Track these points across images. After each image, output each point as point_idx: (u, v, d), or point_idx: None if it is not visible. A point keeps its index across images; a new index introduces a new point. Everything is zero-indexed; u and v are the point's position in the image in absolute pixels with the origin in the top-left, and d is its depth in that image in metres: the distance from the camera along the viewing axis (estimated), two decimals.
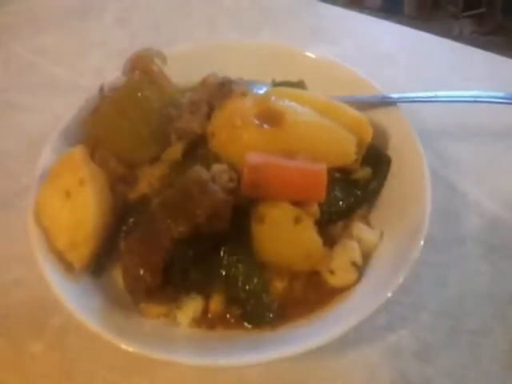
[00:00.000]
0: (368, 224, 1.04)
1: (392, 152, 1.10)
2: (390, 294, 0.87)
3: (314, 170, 0.91)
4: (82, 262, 0.94)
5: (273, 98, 0.99)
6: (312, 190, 0.91)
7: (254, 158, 0.90)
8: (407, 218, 0.99)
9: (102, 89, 1.02)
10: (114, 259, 1.01)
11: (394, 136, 1.11)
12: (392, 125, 1.12)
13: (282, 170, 0.90)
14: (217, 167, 0.89)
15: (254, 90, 1.14)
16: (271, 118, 0.96)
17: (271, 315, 0.91)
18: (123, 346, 0.84)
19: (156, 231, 0.86)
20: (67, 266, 0.94)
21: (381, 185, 1.08)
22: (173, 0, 1.81)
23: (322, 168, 0.91)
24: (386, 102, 1.14)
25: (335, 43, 1.63)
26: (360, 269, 0.96)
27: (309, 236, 0.92)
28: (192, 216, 0.83)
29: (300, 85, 1.24)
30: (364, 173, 1.05)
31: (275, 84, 1.23)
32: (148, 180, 1.05)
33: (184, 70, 1.16)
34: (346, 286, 0.95)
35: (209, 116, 1.02)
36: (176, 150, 1.04)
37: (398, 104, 1.13)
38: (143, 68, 1.04)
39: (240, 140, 0.96)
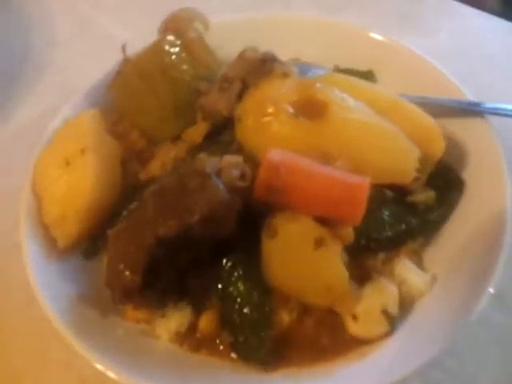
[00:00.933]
0: (419, 263, 0.81)
1: (468, 176, 0.84)
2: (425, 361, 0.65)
3: (352, 183, 0.70)
4: (67, 239, 0.82)
5: (318, 85, 0.78)
6: (345, 207, 0.70)
7: (276, 154, 0.71)
8: (473, 265, 0.75)
9: (124, 49, 0.88)
10: None
11: (475, 156, 0.85)
12: (474, 141, 0.86)
13: (310, 175, 0.70)
14: (228, 158, 0.71)
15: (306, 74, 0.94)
16: (312, 108, 0.76)
17: (267, 352, 0.72)
18: (80, 350, 0.70)
19: (144, 223, 0.71)
20: (51, 243, 0.83)
21: (445, 215, 0.83)
22: None
23: (363, 182, 0.69)
24: (471, 111, 0.88)
25: (427, 35, 1.36)
26: (393, 321, 0.73)
27: (331, 265, 0.71)
28: (183, 215, 0.67)
29: (368, 75, 1.02)
30: (425, 196, 0.82)
31: (338, 71, 1.01)
32: (162, 160, 0.90)
33: (231, 42, 0.98)
34: (370, 339, 0.73)
35: (241, 96, 0.84)
36: (198, 132, 0.88)
37: (486, 116, 0.87)
38: (177, 30, 0.88)
39: (267, 130, 0.77)
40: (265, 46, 1.05)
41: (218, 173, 0.69)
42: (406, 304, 0.76)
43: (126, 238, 0.73)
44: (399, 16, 1.39)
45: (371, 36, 1.06)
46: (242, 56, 0.86)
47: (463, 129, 0.88)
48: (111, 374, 0.69)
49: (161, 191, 0.72)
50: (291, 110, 0.76)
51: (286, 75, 0.81)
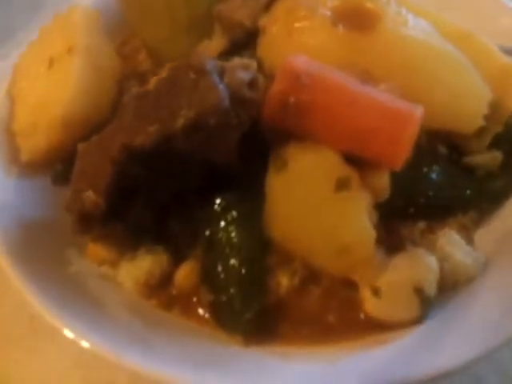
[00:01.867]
0: (469, 240, 0.61)
1: None
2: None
3: (398, 110, 0.52)
4: (33, 153, 0.67)
5: None
6: (385, 141, 0.52)
7: (299, 59, 0.53)
8: None
9: None
10: None
11: None
12: None
13: (342, 92, 0.52)
14: (237, 60, 0.54)
15: None
16: (358, 18, 0.59)
17: (251, 319, 0.54)
18: (17, 283, 0.55)
19: (119, 132, 0.55)
20: (15, 156, 0.68)
21: (509, 188, 0.64)
22: None
23: (414, 111, 0.51)
24: None
25: None
26: (428, 304, 0.54)
27: (354, 217, 0.54)
28: (166, 119, 0.50)
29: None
30: (490, 158, 0.63)
31: None
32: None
33: None
34: (391, 323, 0.55)
35: (269, 7, 0.67)
36: (212, 47, 0.71)
37: None
38: None
39: (296, 39, 0.60)
40: None
41: (221, 73, 0.52)
42: (447, 286, 0.57)
43: (95, 151, 0.57)
44: None
45: None
46: None
47: None
48: (49, 319, 0.53)
49: (145, 93, 0.56)
50: (330, 16, 0.58)
51: None
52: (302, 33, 0.60)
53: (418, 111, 0.52)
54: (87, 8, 0.73)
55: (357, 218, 0.53)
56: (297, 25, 0.60)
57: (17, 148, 0.68)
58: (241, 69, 0.53)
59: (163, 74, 0.62)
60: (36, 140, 0.67)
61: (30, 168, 0.68)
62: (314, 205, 0.54)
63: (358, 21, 0.59)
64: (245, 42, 0.71)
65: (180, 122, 0.49)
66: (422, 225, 0.62)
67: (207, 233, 0.60)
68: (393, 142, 0.51)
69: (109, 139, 0.56)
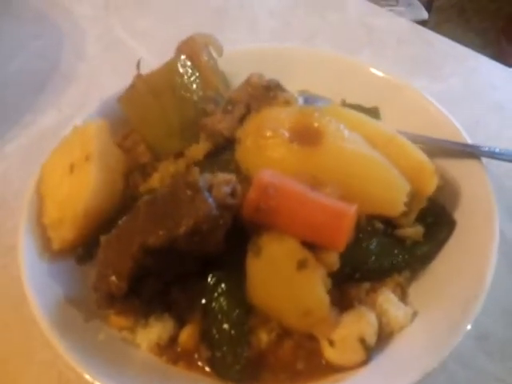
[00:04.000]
0: (402, 297, 0.81)
1: (459, 215, 0.85)
2: None
3: (337, 209, 0.71)
4: (62, 242, 0.85)
5: (317, 114, 0.81)
6: (330, 233, 0.72)
7: (266, 174, 0.73)
8: (454, 302, 0.75)
9: (138, 65, 0.93)
10: None
11: (467, 197, 0.86)
12: (468, 182, 0.87)
13: (298, 197, 0.72)
14: (221, 176, 0.74)
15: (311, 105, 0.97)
16: (308, 135, 0.79)
17: (241, 369, 0.72)
18: (62, 352, 0.72)
19: (134, 231, 0.73)
20: (47, 244, 0.86)
21: (432, 252, 0.84)
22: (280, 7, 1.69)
23: (349, 209, 0.71)
24: (468, 153, 0.90)
25: (441, 79, 1.39)
26: (370, 350, 0.73)
27: (312, 288, 0.72)
28: (172, 226, 0.69)
29: (372, 111, 1.05)
30: (414, 231, 0.83)
31: (344, 105, 1.05)
32: (162, 174, 0.93)
33: (245, 70, 1.02)
34: (345, 366, 0.73)
35: (243, 119, 0.87)
36: (199, 150, 0.91)
37: (482, 158, 0.88)
38: (190, 53, 0.93)
39: (263, 152, 0.80)
40: (275, 75, 1.10)
41: (210, 188, 0.72)
42: (385, 335, 0.76)
43: (115, 244, 0.76)
44: (415, 60, 1.42)
45: (379, 74, 1.09)
46: (247, 81, 0.90)
47: (458, 170, 0.89)
48: (88, 377, 0.70)
49: (153, 200, 0.75)
50: (287, 135, 0.79)
51: (287, 103, 0.85)
52: (267, 147, 0.80)
53: (353, 209, 0.72)
54: (100, 123, 0.93)
55: (314, 288, 0.72)
56: (263, 141, 0.80)
57: (48, 238, 0.86)
58: (224, 184, 0.72)
59: (165, 184, 0.83)
60: (64, 232, 0.85)
61: (60, 254, 0.86)
62: (283, 280, 0.73)
63: (308, 137, 0.79)
64: (225, 145, 0.91)
65: (182, 229, 0.68)
66: (366, 285, 0.80)
67: (203, 301, 0.78)
68: (335, 233, 0.71)
69: (127, 236, 0.74)
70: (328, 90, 1.09)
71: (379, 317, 0.76)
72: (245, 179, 0.80)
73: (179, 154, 0.95)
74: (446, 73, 1.40)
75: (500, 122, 1.23)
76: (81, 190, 0.86)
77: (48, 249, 0.86)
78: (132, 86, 0.94)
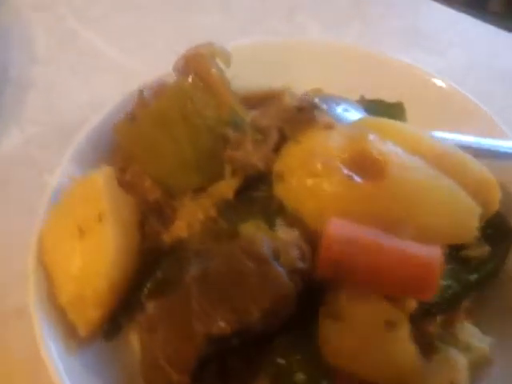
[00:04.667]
0: (477, 325, 0.75)
1: None
2: None
3: (425, 257, 0.62)
4: (88, 325, 0.71)
5: (372, 138, 0.70)
6: (419, 283, 0.63)
7: (337, 228, 0.62)
8: None
9: (141, 93, 0.77)
10: (133, 318, 0.77)
11: None
12: None
13: (378, 250, 0.62)
14: (284, 236, 0.62)
15: (338, 113, 0.85)
16: (367, 167, 0.68)
17: None
18: None
19: (190, 316, 0.61)
20: (70, 329, 0.71)
21: (498, 268, 0.78)
22: None
23: (437, 254, 0.63)
24: None
25: (439, 53, 1.30)
26: None
27: (404, 349, 0.65)
28: (242, 311, 0.57)
29: (397, 108, 0.95)
30: (480, 251, 0.76)
31: (364, 103, 0.94)
32: (187, 220, 0.79)
33: (245, 70, 0.87)
34: None
35: (277, 148, 0.75)
36: (228, 187, 0.78)
37: None
38: (199, 70, 0.77)
39: (319, 193, 0.68)
40: (282, 74, 0.97)
41: (276, 255, 0.60)
42: (474, 374, 0.70)
43: (165, 328, 0.64)
44: (408, 32, 1.32)
45: (397, 63, 0.98)
46: (276, 101, 0.76)
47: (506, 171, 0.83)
48: None
49: (205, 276, 0.62)
50: (343, 169, 0.68)
51: (329, 126, 0.73)
52: (323, 187, 0.68)
53: (439, 252, 0.63)
54: (107, 171, 0.76)
55: (407, 349, 0.64)
56: (315, 179, 0.69)
57: (70, 323, 0.72)
58: (291, 246, 0.61)
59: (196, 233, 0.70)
60: (87, 312, 0.70)
61: (88, 338, 0.72)
62: (369, 344, 0.64)
63: (369, 169, 0.68)
64: (257, 177, 0.78)
65: (256, 315, 0.57)
66: (440, 319, 0.75)
67: (269, 370, 0.68)
68: (425, 284, 0.63)
69: (180, 320, 0.62)
70: (342, 87, 0.97)
71: (465, 353, 0.70)
72: (295, 221, 0.69)
73: (197, 190, 0.82)
74: (444, 43, 1.32)
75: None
76: (99, 260, 0.71)
77: (72, 334, 0.71)
78: (133, 117, 0.78)
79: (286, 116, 0.75)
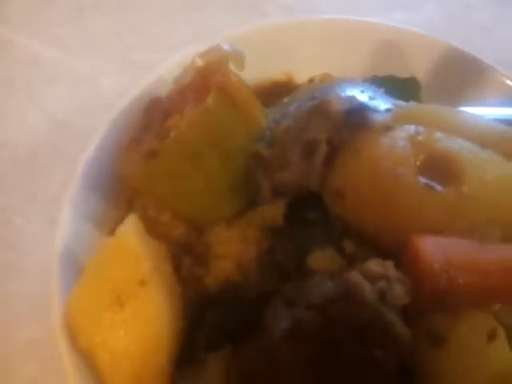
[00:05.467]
0: None
1: None
2: None
3: None
4: None
5: (439, 135, 0.62)
6: None
7: (433, 252, 0.55)
8: None
9: (148, 113, 0.63)
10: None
11: None
12: None
13: (477, 265, 0.57)
14: (376, 268, 0.54)
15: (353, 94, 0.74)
16: (441, 170, 0.61)
17: None
18: None
19: None
20: None
21: None
22: None
23: None
24: None
25: (412, 9, 1.24)
26: None
27: (502, 354, 0.60)
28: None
29: (412, 83, 0.88)
30: None
31: (377, 81, 0.86)
32: (234, 257, 0.69)
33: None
34: None
35: (329, 162, 0.65)
36: (274, 211, 0.67)
37: None
38: (221, 83, 0.64)
39: (397, 209, 0.60)
40: (281, 61, 0.87)
41: (382, 297, 0.52)
42: None
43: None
44: None
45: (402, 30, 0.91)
46: (321, 108, 0.65)
47: None
48: None
49: (298, 331, 0.53)
50: (421, 179, 0.60)
51: (387, 128, 0.64)
52: (398, 200, 0.60)
53: None
54: (135, 221, 0.63)
55: (504, 353, 0.61)
56: (387, 193, 0.61)
57: None
58: (396, 283, 0.53)
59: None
60: None
61: None
62: (475, 361, 0.59)
63: (443, 173, 0.61)
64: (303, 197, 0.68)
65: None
66: None
67: None
68: None
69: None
70: (350, 68, 0.89)
71: None
72: (364, 239, 0.62)
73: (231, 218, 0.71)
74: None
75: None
76: (151, 333, 0.59)
77: None
78: (153, 153, 0.64)
79: (334, 123, 0.64)
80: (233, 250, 0.68)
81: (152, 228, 0.70)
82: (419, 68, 0.90)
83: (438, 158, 0.61)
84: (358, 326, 0.50)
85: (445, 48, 0.90)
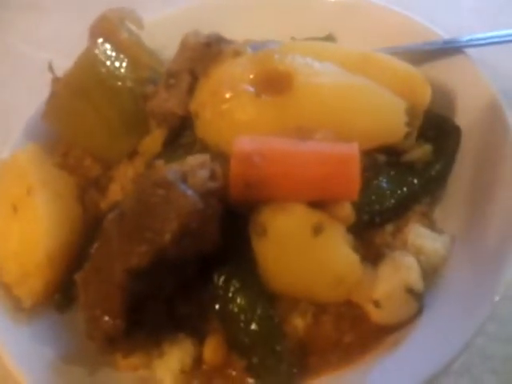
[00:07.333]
0: (431, 226, 0.71)
1: (462, 119, 0.75)
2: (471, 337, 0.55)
3: (339, 153, 0.60)
4: (33, 298, 0.71)
5: (277, 56, 0.68)
6: (338, 183, 0.60)
7: (245, 142, 0.61)
8: (494, 213, 0.65)
9: (51, 67, 0.78)
10: None
11: (464, 96, 0.77)
12: (459, 80, 0.77)
13: (291, 155, 0.60)
14: (192, 160, 0.61)
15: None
16: (275, 83, 0.67)
17: (288, 368, 0.62)
18: None
19: (112, 257, 0.60)
20: (16, 304, 0.71)
21: (447, 167, 0.74)
22: None
23: (352, 150, 0.60)
24: (448, 50, 0.79)
25: None
26: (421, 297, 0.63)
27: (337, 251, 0.62)
28: (153, 237, 0.56)
29: (328, 40, 0.93)
30: (421, 151, 0.73)
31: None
32: (121, 182, 0.79)
33: (174, 39, 0.87)
34: (399, 324, 0.63)
35: (192, 90, 0.74)
36: (155, 140, 0.77)
37: (465, 50, 0.78)
38: (107, 33, 0.78)
39: (230, 118, 0.67)
40: None
41: (183, 178, 0.59)
42: (429, 274, 0.66)
43: (94, 278, 0.62)
44: None
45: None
46: (184, 44, 0.76)
47: (445, 70, 0.79)
48: None
49: (121, 216, 0.61)
50: (252, 90, 0.66)
51: (237, 53, 0.71)
52: (233, 112, 0.67)
53: (355, 148, 0.60)
54: (31, 148, 0.77)
55: (339, 251, 0.62)
56: (225, 106, 0.67)
57: (16, 297, 0.71)
58: (198, 167, 0.59)
59: (128, 191, 0.69)
60: (31, 286, 0.70)
61: (35, 310, 0.72)
62: (300, 254, 0.61)
63: (276, 85, 0.66)
64: (183, 124, 0.77)
65: (167, 236, 0.55)
66: (389, 228, 0.70)
67: (217, 307, 0.66)
68: (345, 182, 0.60)
69: (105, 266, 0.61)
70: (272, 33, 0.96)
71: (416, 256, 0.66)
72: (218, 156, 0.68)
73: (132, 154, 0.82)
74: None
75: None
76: (34, 233, 0.71)
77: (20, 309, 0.71)
78: (52, 95, 0.78)
79: (195, 55, 0.74)
80: (120, 176, 0.79)
81: (74, 170, 0.85)
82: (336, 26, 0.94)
83: (272, 73, 0.67)
84: (156, 201, 0.57)
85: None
